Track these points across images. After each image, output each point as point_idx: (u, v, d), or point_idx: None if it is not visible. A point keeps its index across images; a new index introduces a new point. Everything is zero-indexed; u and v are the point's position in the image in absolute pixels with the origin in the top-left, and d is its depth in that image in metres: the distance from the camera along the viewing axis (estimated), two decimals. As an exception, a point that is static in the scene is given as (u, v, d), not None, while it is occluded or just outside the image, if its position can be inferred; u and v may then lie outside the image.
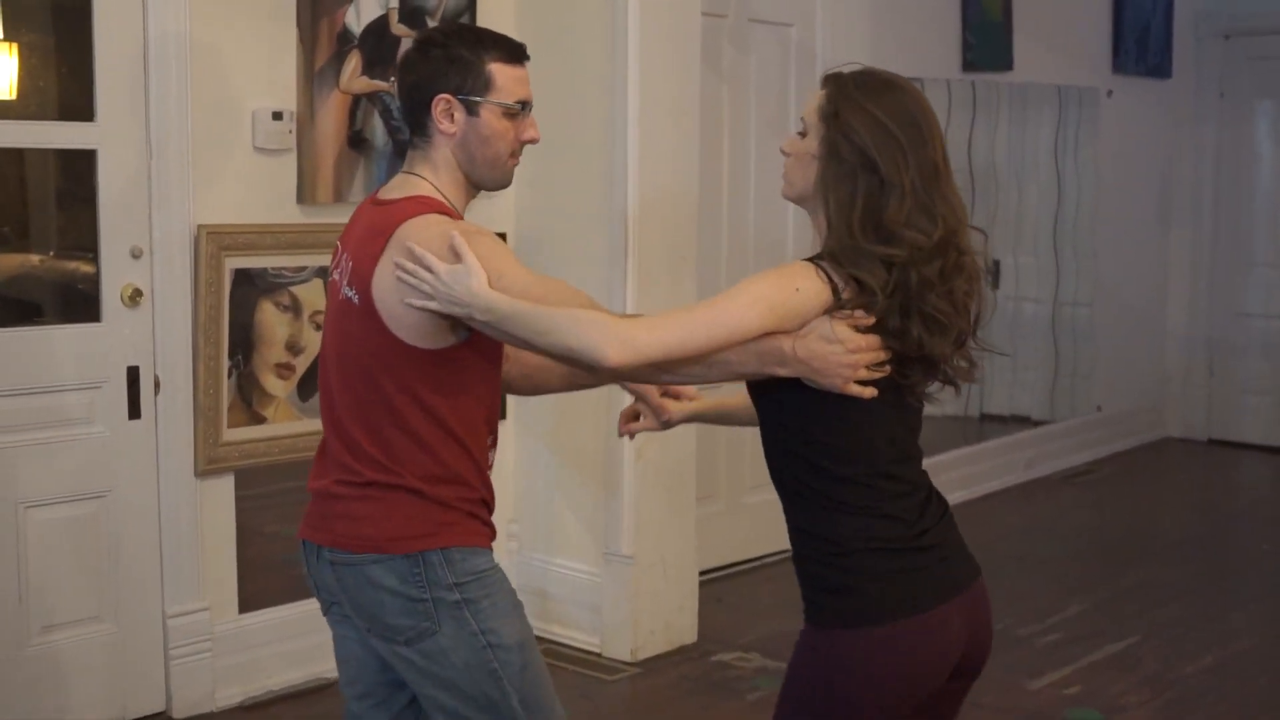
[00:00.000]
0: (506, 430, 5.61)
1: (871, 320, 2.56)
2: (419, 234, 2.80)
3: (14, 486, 4.41)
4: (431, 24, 5.16)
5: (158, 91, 4.57)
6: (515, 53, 2.96)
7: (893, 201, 2.59)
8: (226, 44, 4.73)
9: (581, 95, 5.33)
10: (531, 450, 5.65)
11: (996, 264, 9.16)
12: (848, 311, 2.57)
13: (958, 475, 7.94)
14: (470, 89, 2.90)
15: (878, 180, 2.60)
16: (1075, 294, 9.09)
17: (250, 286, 4.78)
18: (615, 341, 2.57)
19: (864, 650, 2.61)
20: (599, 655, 5.43)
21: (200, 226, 4.64)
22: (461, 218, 2.95)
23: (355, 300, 2.87)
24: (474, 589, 2.94)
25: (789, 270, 2.63)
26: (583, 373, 2.81)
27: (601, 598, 5.45)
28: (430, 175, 2.97)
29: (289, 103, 4.85)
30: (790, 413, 2.66)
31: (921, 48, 7.47)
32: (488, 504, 3.01)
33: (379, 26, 5.03)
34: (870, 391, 2.57)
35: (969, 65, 7.75)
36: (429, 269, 2.72)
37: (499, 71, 2.92)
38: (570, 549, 5.58)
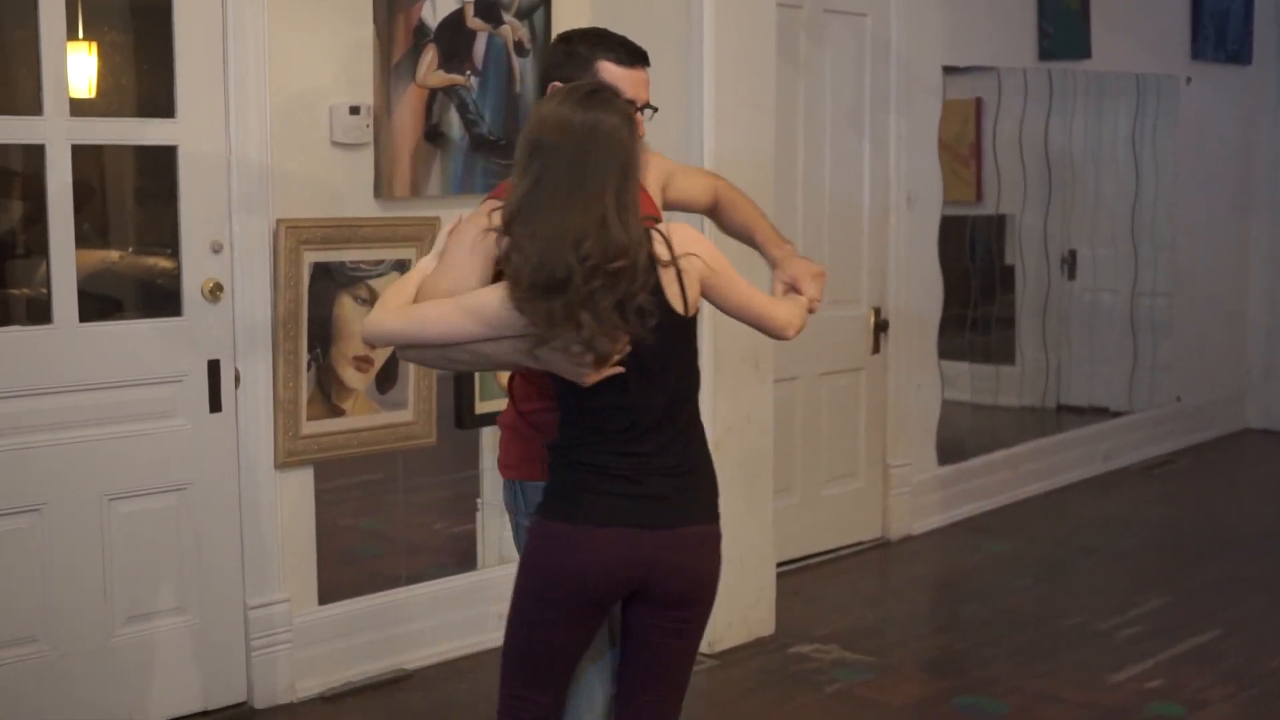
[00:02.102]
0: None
1: None
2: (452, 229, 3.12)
3: (98, 479, 4.47)
4: (507, 18, 5.18)
5: (237, 87, 4.61)
6: (628, 55, 3.25)
7: None
8: (304, 40, 4.76)
9: (657, 87, 5.28)
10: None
11: (1073, 255, 9.10)
12: None
13: (1036, 467, 7.90)
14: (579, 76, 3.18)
15: None
16: (1154, 284, 9.00)
17: (329, 280, 4.81)
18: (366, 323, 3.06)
19: (531, 533, 3.11)
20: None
21: (279, 221, 4.68)
22: None
23: None
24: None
25: None
26: None
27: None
28: None
29: (366, 97, 4.88)
30: None
31: (997, 37, 7.43)
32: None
33: (455, 20, 5.05)
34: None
35: (1045, 54, 7.69)
36: None
37: (606, 69, 3.20)
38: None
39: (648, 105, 3.28)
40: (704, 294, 3.09)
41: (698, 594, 3.16)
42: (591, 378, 2.95)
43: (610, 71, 3.20)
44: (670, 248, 3.01)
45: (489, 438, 5.72)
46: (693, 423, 3.14)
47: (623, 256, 2.87)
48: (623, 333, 2.90)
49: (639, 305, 2.90)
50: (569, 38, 3.31)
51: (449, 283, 2.98)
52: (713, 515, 3.16)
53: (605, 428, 3.04)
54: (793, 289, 3.35)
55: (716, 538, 3.17)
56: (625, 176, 2.92)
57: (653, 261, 2.96)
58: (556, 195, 2.87)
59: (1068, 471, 8.14)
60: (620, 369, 2.96)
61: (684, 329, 3.07)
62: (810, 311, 3.31)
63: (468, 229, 3.02)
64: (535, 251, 2.85)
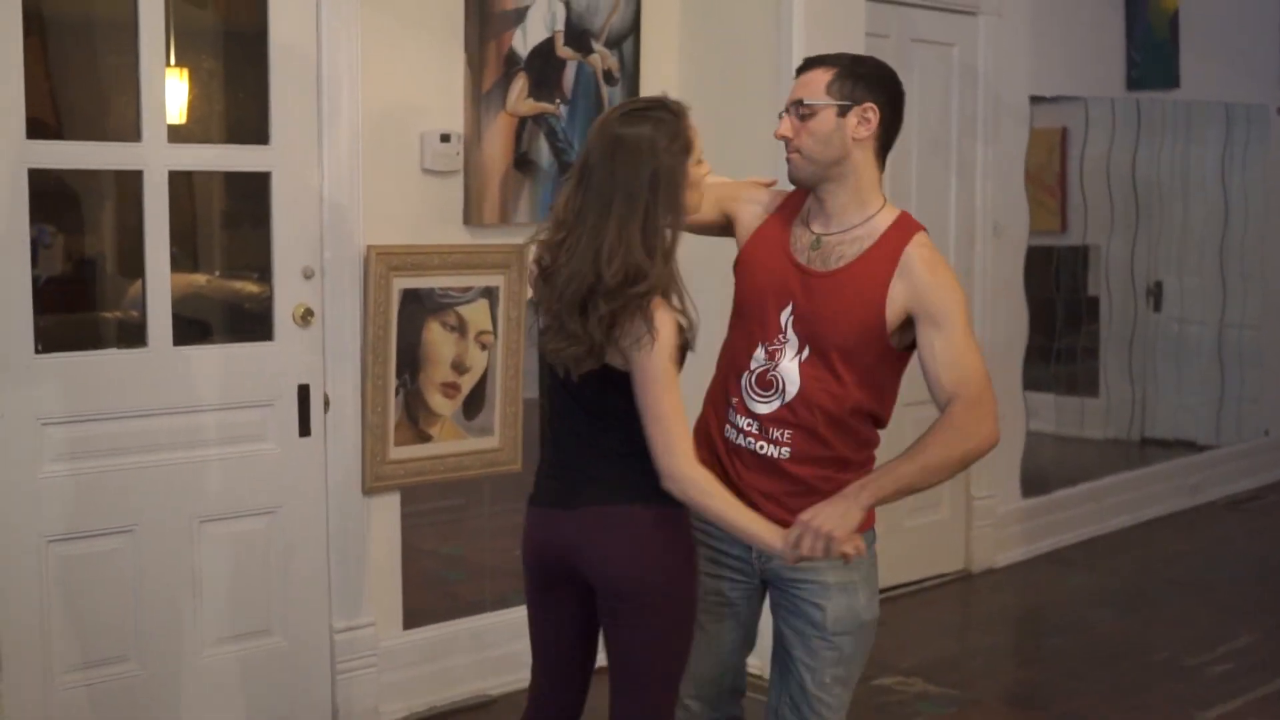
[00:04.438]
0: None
1: None
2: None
3: (189, 502, 4.51)
4: (597, 46, 5.20)
5: (330, 115, 4.65)
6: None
7: None
8: (396, 67, 4.81)
9: (748, 115, 5.33)
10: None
11: (1159, 285, 9.02)
12: None
13: (1120, 500, 7.82)
14: None
15: None
16: (1242, 315, 8.90)
17: (418, 306, 4.84)
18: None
19: None
20: (761, 678, 5.40)
21: (370, 247, 4.72)
22: (800, 200, 3.42)
23: None
24: None
25: None
26: None
27: (764, 620, 5.42)
28: None
29: (457, 125, 4.92)
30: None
31: (1085, 66, 7.39)
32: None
33: (545, 49, 5.08)
34: None
35: (1134, 84, 7.64)
36: None
37: None
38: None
39: (794, 104, 3.25)
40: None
41: (623, 583, 3.17)
42: None
43: None
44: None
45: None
46: (608, 446, 3.19)
47: (643, 282, 3.01)
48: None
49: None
50: None
51: None
52: (615, 496, 3.17)
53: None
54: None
55: (624, 516, 3.16)
56: (653, 189, 3.03)
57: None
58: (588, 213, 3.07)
59: (1153, 505, 8.05)
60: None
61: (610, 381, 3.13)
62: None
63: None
64: (570, 269, 3.06)
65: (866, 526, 3.25)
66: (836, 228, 3.28)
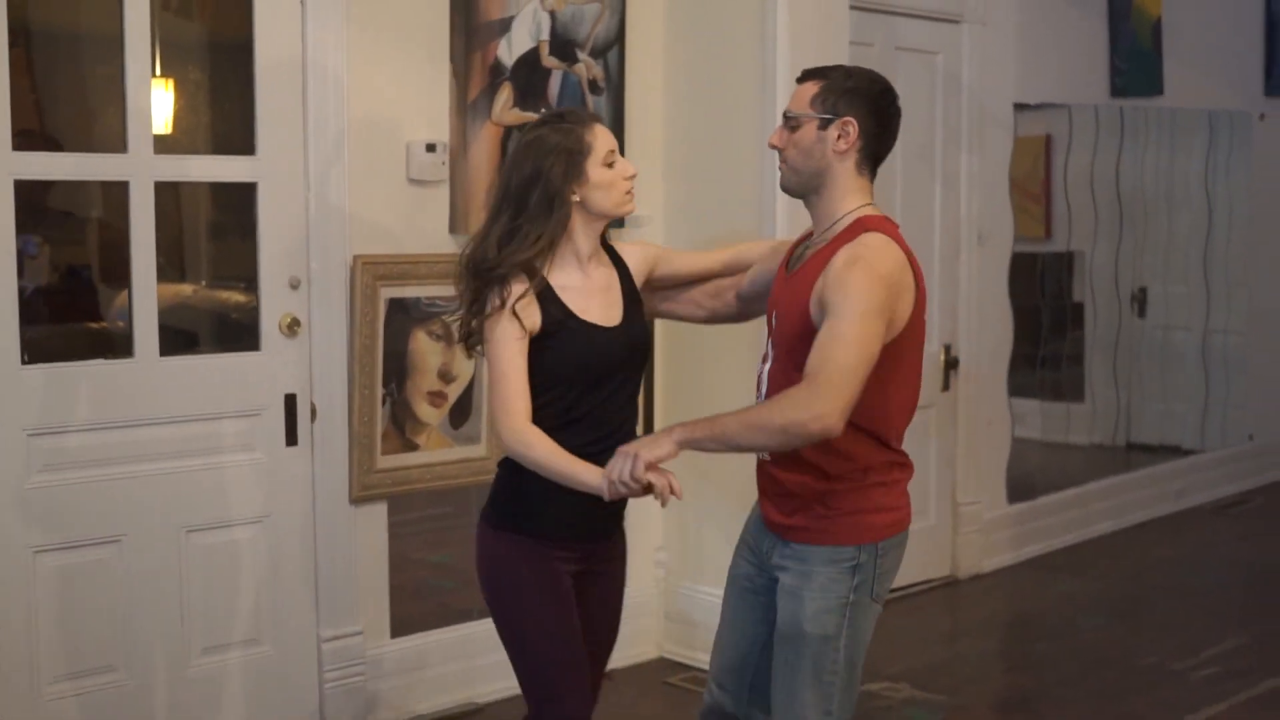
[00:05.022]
0: (653, 458, 5.63)
1: None
2: None
3: (177, 511, 4.52)
4: (582, 56, 5.22)
5: (315, 125, 4.66)
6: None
7: None
8: (382, 78, 4.82)
9: (731, 121, 5.36)
10: (679, 477, 5.64)
11: (1144, 292, 9.04)
12: None
13: (1106, 505, 7.84)
14: None
15: None
16: (1226, 322, 8.93)
17: (404, 315, 4.85)
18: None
19: None
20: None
21: (356, 257, 4.73)
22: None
23: None
24: None
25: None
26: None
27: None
28: None
29: (442, 135, 4.93)
30: None
31: (1069, 74, 7.42)
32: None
33: (531, 59, 5.10)
34: None
35: (1118, 91, 7.66)
36: None
37: None
38: (718, 576, 5.55)
39: (786, 116, 3.33)
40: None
41: None
42: None
43: None
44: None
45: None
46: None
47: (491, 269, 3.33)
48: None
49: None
50: None
51: None
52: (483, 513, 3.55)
53: None
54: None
55: (480, 529, 3.54)
56: (527, 185, 3.33)
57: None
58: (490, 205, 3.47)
59: (1139, 510, 8.08)
60: None
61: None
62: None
63: None
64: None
65: (880, 536, 3.32)
66: (817, 237, 3.33)
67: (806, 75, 3.35)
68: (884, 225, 3.27)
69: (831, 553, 3.28)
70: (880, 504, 3.32)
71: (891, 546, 3.35)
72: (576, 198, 3.36)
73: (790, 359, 3.23)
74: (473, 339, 3.40)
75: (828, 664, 3.29)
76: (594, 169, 3.35)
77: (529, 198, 3.32)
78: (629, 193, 3.44)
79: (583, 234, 3.40)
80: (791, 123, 3.29)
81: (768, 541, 3.42)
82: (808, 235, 3.43)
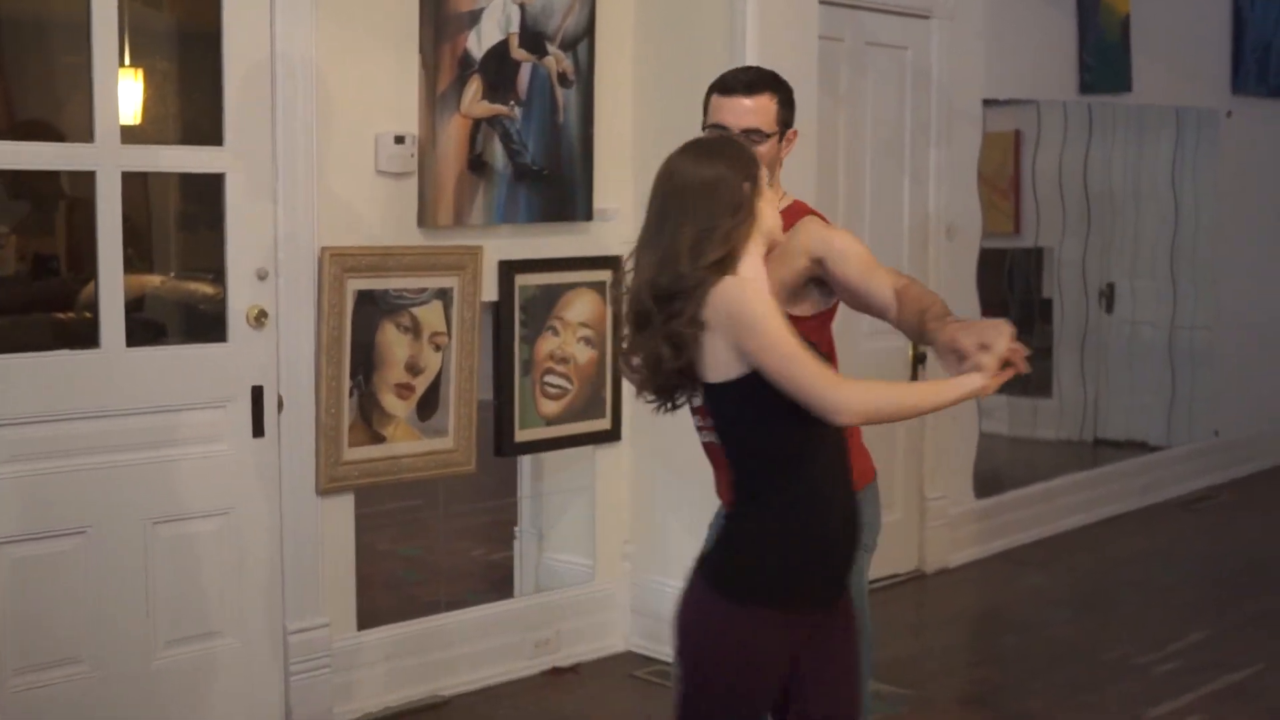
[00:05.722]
0: (621, 451, 5.65)
1: None
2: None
3: (142, 503, 4.50)
4: (551, 49, 5.21)
5: (284, 116, 4.65)
6: (728, 84, 3.54)
7: None
8: (351, 69, 4.81)
9: (701, 115, 5.35)
10: (647, 471, 5.67)
11: (1111, 288, 9.09)
12: None
13: (1073, 500, 7.88)
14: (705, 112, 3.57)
15: None
16: (1193, 318, 8.97)
17: (372, 307, 4.85)
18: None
19: None
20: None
21: (324, 249, 4.72)
22: None
23: None
24: None
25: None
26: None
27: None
28: None
29: (411, 127, 4.92)
30: None
31: (1037, 70, 7.44)
32: None
33: (500, 51, 5.09)
34: None
35: (1086, 87, 7.69)
36: None
37: (714, 101, 3.55)
38: (685, 570, 5.57)
39: (750, 132, 3.43)
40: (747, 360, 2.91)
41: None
42: None
43: (713, 102, 3.52)
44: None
45: (528, 465, 5.76)
46: (742, 493, 3.03)
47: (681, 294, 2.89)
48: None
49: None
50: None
51: None
52: (699, 563, 3.09)
53: None
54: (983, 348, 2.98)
55: (691, 584, 3.08)
56: (709, 219, 2.93)
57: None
58: (646, 234, 3.02)
59: (1105, 505, 8.11)
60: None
61: (716, 393, 2.96)
62: (1010, 367, 3.02)
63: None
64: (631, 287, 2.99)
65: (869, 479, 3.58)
66: None
67: (760, 87, 3.50)
68: (807, 207, 3.61)
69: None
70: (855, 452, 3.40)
71: (868, 500, 3.44)
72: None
73: None
74: (682, 377, 2.96)
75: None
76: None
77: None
78: None
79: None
80: (756, 138, 3.43)
81: None
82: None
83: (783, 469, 2.95)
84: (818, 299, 3.48)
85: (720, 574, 3.02)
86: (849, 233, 3.62)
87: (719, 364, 2.90)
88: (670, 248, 2.91)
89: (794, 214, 3.51)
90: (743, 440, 2.99)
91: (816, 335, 3.46)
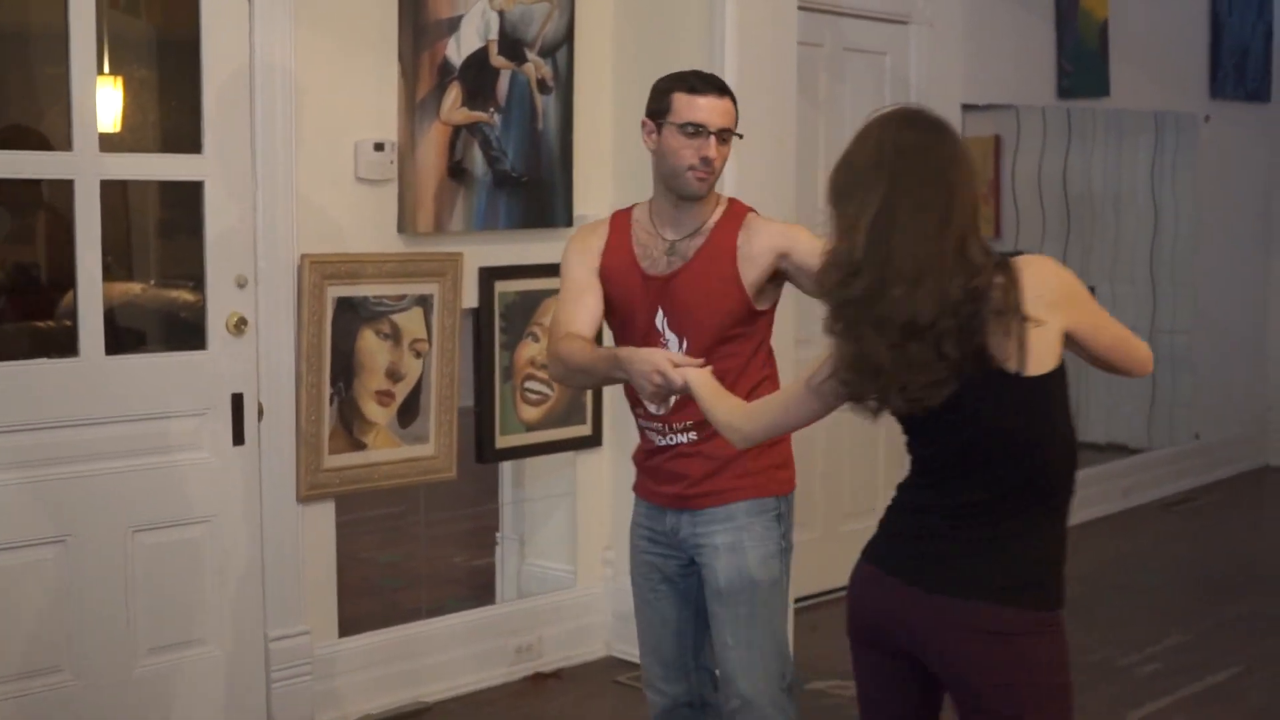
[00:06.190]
0: (602, 457, 5.65)
1: None
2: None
3: (123, 511, 4.49)
4: (531, 56, 5.22)
5: (263, 124, 4.65)
6: (699, 83, 3.50)
7: None
8: (330, 77, 4.81)
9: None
10: (627, 477, 5.65)
11: (1091, 291, 9.09)
12: None
13: (1054, 503, 7.88)
14: (657, 112, 3.50)
15: None
16: (1173, 321, 9.00)
17: (352, 314, 4.85)
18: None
19: None
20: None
21: (304, 256, 4.72)
22: (626, 219, 3.66)
23: None
24: None
25: None
26: None
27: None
28: (653, 185, 3.60)
29: (390, 134, 4.92)
30: None
31: (1016, 75, 7.47)
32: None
33: (479, 58, 5.10)
34: None
35: (1064, 92, 7.72)
36: None
37: (678, 100, 3.48)
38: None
39: (725, 131, 3.49)
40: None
41: (974, 699, 2.76)
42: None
43: (681, 101, 3.48)
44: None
45: (509, 471, 5.76)
46: (1026, 506, 2.79)
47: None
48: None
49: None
50: (660, 79, 3.58)
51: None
52: (985, 594, 2.74)
53: (915, 469, 2.91)
54: None
55: (984, 618, 2.73)
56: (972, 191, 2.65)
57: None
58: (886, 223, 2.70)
59: (1086, 508, 8.11)
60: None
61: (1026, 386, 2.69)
62: None
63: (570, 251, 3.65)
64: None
65: (788, 489, 3.62)
66: (689, 229, 3.55)
67: (724, 90, 3.54)
68: (744, 205, 3.63)
69: (758, 505, 3.55)
70: (783, 460, 3.63)
71: (793, 502, 3.66)
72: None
73: (718, 340, 3.49)
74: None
75: (778, 607, 3.58)
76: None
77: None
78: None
79: None
80: (724, 137, 3.50)
81: (671, 521, 3.61)
82: (621, 226, 3.64)
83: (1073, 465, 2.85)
84: (771, 293, 3.58)
85: (1045, 592, 2.92)
86: (796, 224, 3.79)
87: (1042, 353, 2.69)
88: (945, 232, 2.59)
89: (737, 214, 3.59)
90: (1049, 436, 2.76)
91: (767, 329, 3.61)
